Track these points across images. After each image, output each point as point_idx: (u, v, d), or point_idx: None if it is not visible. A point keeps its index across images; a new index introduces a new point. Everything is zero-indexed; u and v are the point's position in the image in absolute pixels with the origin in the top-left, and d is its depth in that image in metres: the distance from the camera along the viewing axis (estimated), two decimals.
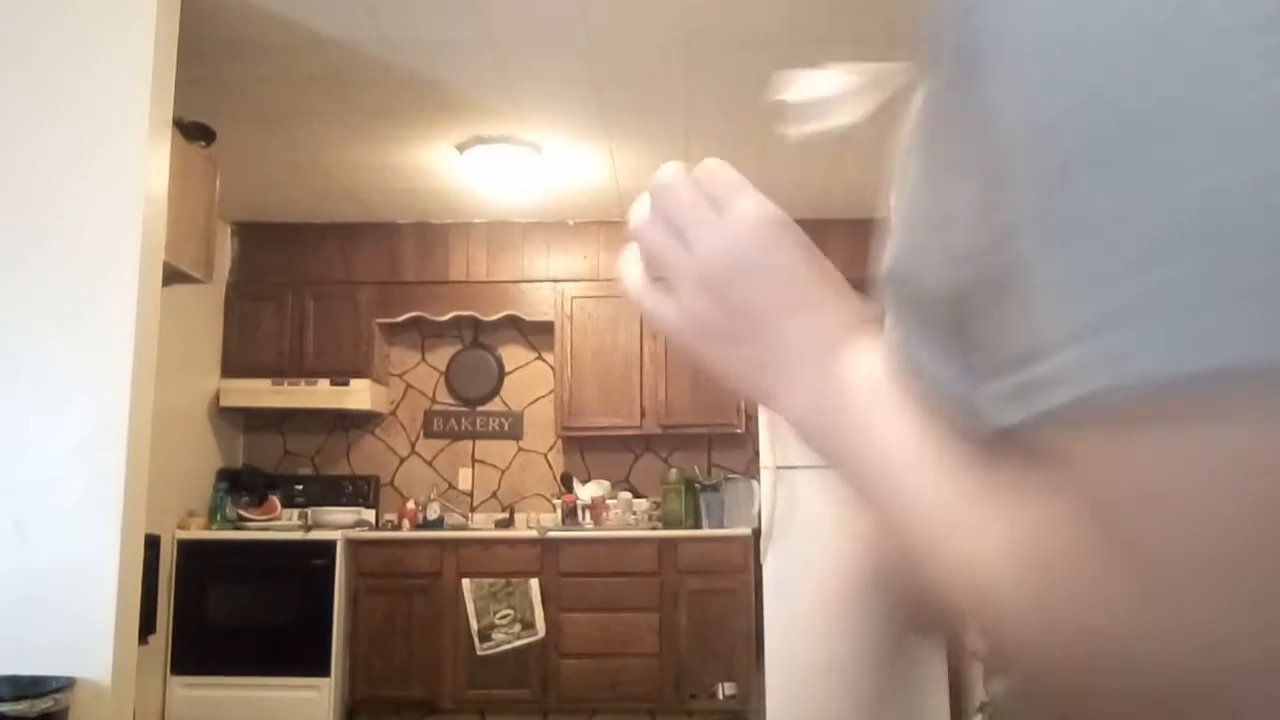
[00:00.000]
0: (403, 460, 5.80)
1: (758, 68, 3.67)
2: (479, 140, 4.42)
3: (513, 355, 5.89)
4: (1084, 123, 0.34)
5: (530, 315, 5.59)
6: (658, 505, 5.36)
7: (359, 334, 5.52)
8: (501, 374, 5.87)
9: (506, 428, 5.82)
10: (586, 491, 5.43)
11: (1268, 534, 0.32)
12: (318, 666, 4.84)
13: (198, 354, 5.27)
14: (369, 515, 5.46)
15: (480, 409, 5.84)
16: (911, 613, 0.63)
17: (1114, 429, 0.33)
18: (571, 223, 5.62)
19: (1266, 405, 0.31)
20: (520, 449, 5.80)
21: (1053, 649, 0.37)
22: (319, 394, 5.38)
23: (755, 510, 5.04)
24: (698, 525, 5.19)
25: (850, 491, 0.48)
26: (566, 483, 5.53)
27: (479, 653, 4.95)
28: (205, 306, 5.30)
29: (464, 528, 5.43)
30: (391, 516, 5.52)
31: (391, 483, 5.76)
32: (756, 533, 4.90)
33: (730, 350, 0.50)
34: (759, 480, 4.87)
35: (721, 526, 5.16)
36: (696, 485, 5.30)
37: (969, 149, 0.42)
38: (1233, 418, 0.31)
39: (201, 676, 4.85)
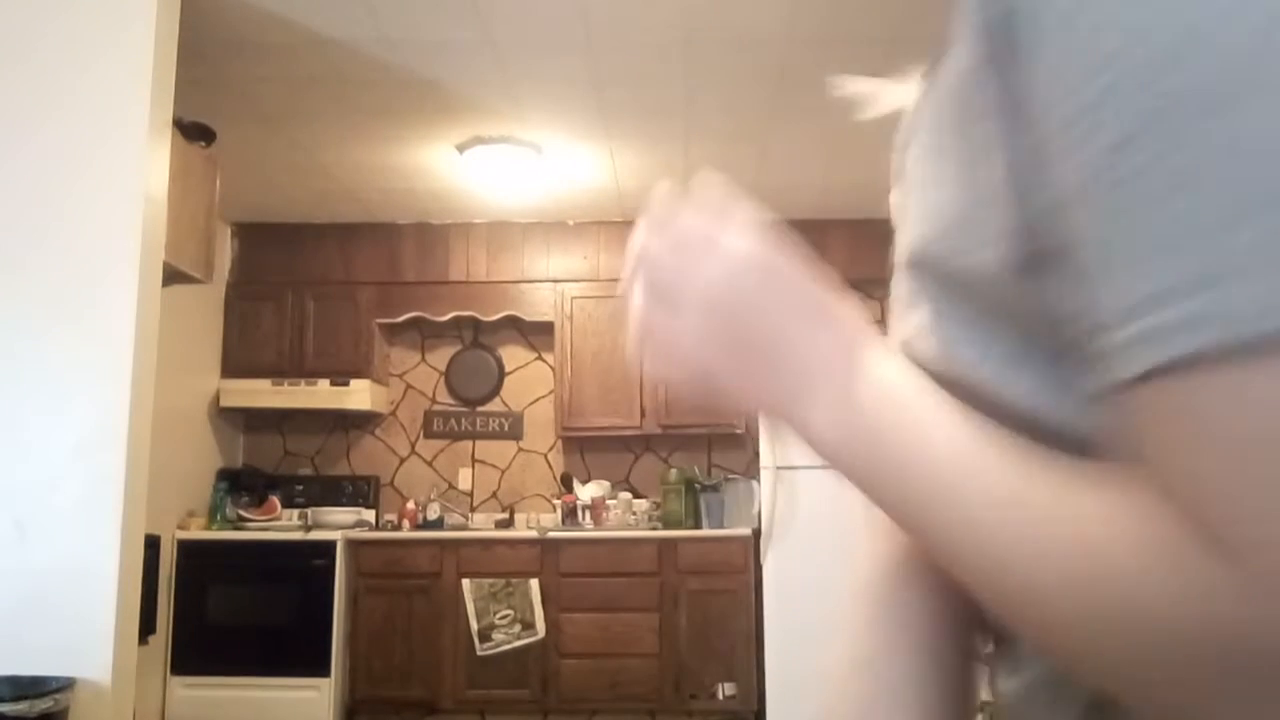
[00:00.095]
0: (403, 460, 5.80)
1: (758, 68, 3.67)
2: (479, 140, 4.41)
3: (513, 355, 5.89)
4: (1154, 85, 0.34)
5: (530, 315, 5.59)
6: (658, 505, 5.36)
7: (359, 334, 5.52)
8: (501, 374, 5.87)
9: (506, 428, 5.82)
10: (586, 492, 5.43)
11: None
12: (318, 667, 4.84)
13: (198, 354, 5.27)
14: (369, 515, 5.45)
15: (480, 409, 5.84)
16: (945, 608, 0.63)
17: (1221, 381, 0.33)
18: (571, 223, 5.62)
19: None
20: (520, 449, 5.80)
21: (1141, 646, 0.36)
22: (319, 394, 5.38)
23: (755, 510, 5.04)
24: (698, 525, 5.19)
25: (886, 504, 0.46)
26: (566, 483, 5.53)
27: (479, 653, 4.95)
28: (205, 306, 5.30)
29: (464, 528, 5.43)
30: (391, 517, 5.52)
31: (391, 483, 5.76)
32: (756, 533, 4.90)
33: (750, 382, 0.49)
34: (759, 480, 4.87)
35: (721, 527, 5.16)
36: (696, 485, 5.30)
37: (1005, 128, 0.42)
38: None
39: (201, 677, 4.84)
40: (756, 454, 4.92)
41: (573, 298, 5.54)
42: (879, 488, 0.45)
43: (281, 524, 5.26)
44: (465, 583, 5.02)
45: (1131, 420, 0.37)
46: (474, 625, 4.97)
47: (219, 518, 5.21)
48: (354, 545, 5.10)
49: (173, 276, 3.35)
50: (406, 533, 5.28)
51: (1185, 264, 0.33)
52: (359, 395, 5.38)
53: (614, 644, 4.95)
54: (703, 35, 3.43)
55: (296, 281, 5.56)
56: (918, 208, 0.51)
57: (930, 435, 0.44)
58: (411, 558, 5.09)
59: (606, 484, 5.51)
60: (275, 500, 5.38)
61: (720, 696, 4.90)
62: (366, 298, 5.56)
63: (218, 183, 3.86)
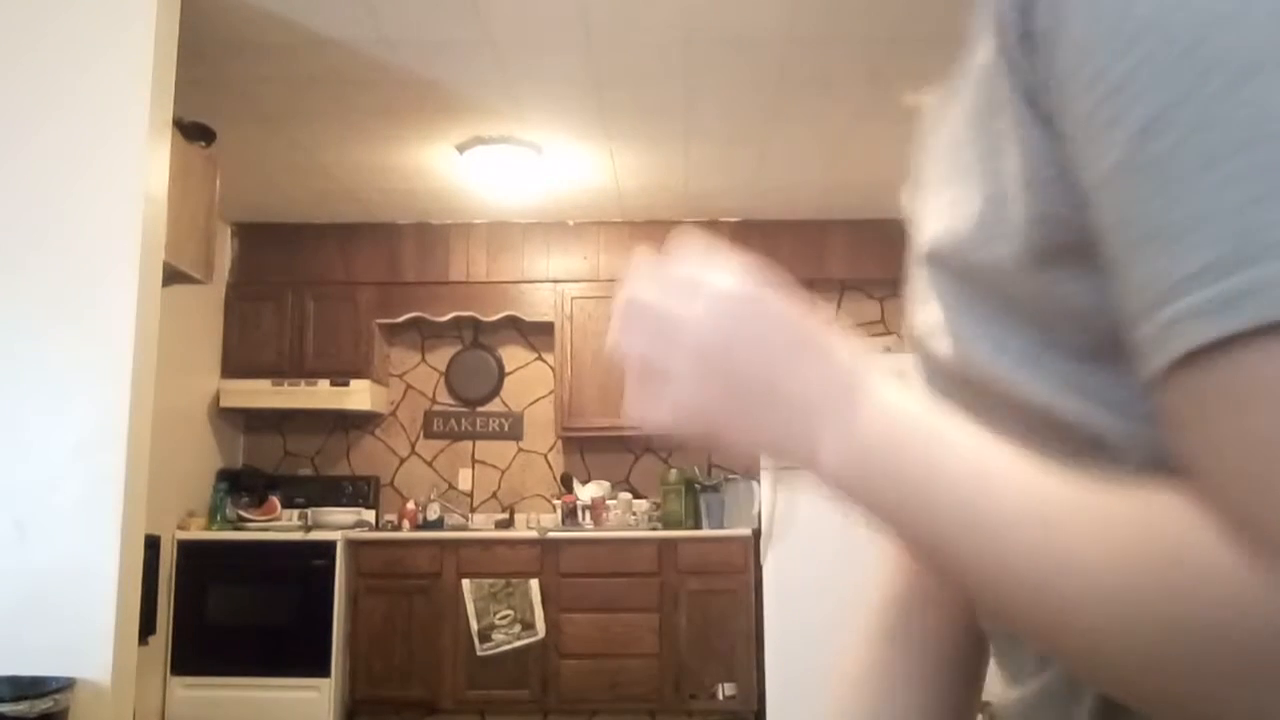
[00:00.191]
0: (403, 461, 5.80)
1: (757, 68, 3.67)
2: (479, 140, 4.41)
3: (513, 356, 5.89)
4: (1184, 61, 0.34)
5: (530, 316, 5.59)
6: (658, 506, 5.36)
7: (359, 334, 5.52)
8: (501, 374, 5.87)
9: (506, 428, 5.82)
10: (586, 492, 5.43)
11: None
12: (318, 667, 4.84)
13: (198, 354, 5.27)
14: (369, 516, 5.45)
15: (480, 409, 5.84)
16: (952, 635, 0.62)
17: (1263, 360, 0.32)
18: (571, 223, 5.62)
19: None
20: (520, 449, 5.80)
21: (1180, 656, 0.34)
22: (319, 394, 5.38)
23: (755, 511, 5.03)
24: (698, 526, 5.19)
25: (906, 533, 0.44)
26: (566, 483, 5.53)
27: (479, 653, 4.95)
28: (205, 307, 5.30)
29: (464, 528, 5.42)
30: (391, 517, 5.52)
31: (391, 483, 5.76)
32: (756, 533, 4.90)
33: (753, 425, 0.47)
34: (759, 481, 4.87)
35: (721, 527, 5.16)
36: (696, 486, 5.30)
37: (1019, 121, 0.42)
38: None
39: (201, 677, 4.84)
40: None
41: (573, 298, 5.54)
42: (898, 517, 0.44)
43: (281, 524, 5.26)
44: (465, 583, 5.01)
45: (1170, 413, 0.36)
46: (474, 625, 4.97)
47: (219, 518, 5.21)
48: (354, 545, 5.10)
49: (173, 276, 3.35)
50: (406, 533, 5.28)
51: (1222, 241, 0.32)
52: (359, 395, 5.38)
53: (614, 644, 4.95)
54: (703, 35, 3.43)
55: (296, 281, 5.56)
56: (935, 202, 0.51)
57: (946, 457, 0.43)
58: (411, 558, 5.08)
59: (606, 484, 5.51)
60: (275, 500, 5.38)
61: (720, 696, 4.90)
62: (366, 298, 5.56)
63: (218, 183, 3.86)
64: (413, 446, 5.81)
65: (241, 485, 5.45)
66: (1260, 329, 0.32)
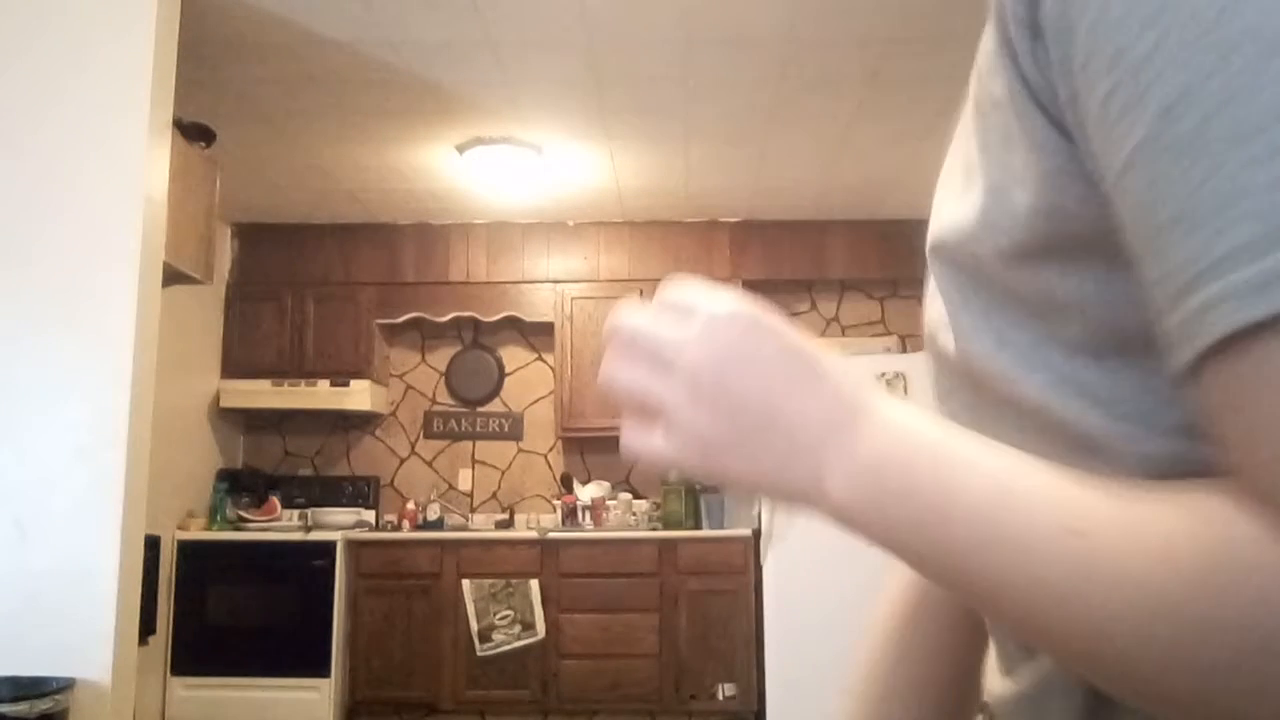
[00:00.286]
0: (403, 461, 5.80)
1: (758, 68, 3.67)
2: (479, 141, 4.41)
3: (513, 356, 5.89)
4: (1204, 38, 0.33)
5: (530, 316, 5.59)
6: (658, 506, 5.36)
7: (359, 335, 5.52)
8: (501, 375, 5.87)
9: (506, 428, 5.82)
10: (586, 492, 5.43)
11: None
12: (318, 667, 4.84)
13: (198, 355, 5.27)
14: (369, 516, 5.45)
15: (480, 410, 5.84)
16: (959, 647, 0.62)
17: None
18: (571, 223, 5.62)
19: None
20: (520, 450, 5.80)
21: (1225, 666, 0.33)
22: (319, 395, 5.38)
23: (755, 511, 5.03)
24: (698, 526, 5.19)
25: (924, 559, 0.42)
26: (566, 483, 5.53)
27: (479, 653, 4.95)
28: (205, 307, 5.30)
29: (464, 528, 5.42)
30: (391, 517, 5.52)
31: (391, 483, 5.76)
32: (756, 533, 4.90)
33: (753, 453, 0.45)
34: None
35: (721, 527, 5.16)
36: (696, 486, 5.30)
37: (1018, 113, 0.41)
38: None
39: (201, 677, 4.84)
40: None
41: (573, 298, 5.54)
42: (915, 543, 0.42)
43: (281, 524, 5.25)
44: (465, 583, 5.01)
45: (1206, 405, 0.35)
46: (474, 626, 4.97)
47: (219, 518, 5.21)
48: (354, 546, 5.10)
49: (173, 277, 3.35)
50: (406, 533, 5.28)
51: (1256, 220, 0.31)
52: (359, 396, 5.38)
53: (614, 644, 4.95)
54: (703, 35, 3.43)
55: (296, 282, 5.56)
56: (942, 193, 0.51)
57: (961, 472, 0.41)
58: (411, 558, 5.08)
59: (607, 484, 5.50)
60: (275, 501, 5.38)
61: (720, 697, 4.90)
62: (366, 298, 5.56)
63: (218, 183, 3.86)
64: (413, 447, 5.81)
65: (241, 485, 5.45)
66: None
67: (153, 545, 4.02)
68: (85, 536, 2.64)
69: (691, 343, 0.46)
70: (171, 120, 3.01)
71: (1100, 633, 0.36)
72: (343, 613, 4.95)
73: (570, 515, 5.36)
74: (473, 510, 5.71)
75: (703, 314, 0.46)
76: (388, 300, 5.59)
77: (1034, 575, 0.37)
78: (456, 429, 5.81)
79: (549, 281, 5.60)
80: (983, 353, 0.46)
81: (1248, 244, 0.31)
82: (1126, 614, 0.35)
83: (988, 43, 0.44)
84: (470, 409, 5.84)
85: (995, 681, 0.52)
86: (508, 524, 5.52)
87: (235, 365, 5.48)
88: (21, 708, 2.39)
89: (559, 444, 5.76)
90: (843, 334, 5.71)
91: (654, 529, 5.20)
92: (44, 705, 2.42)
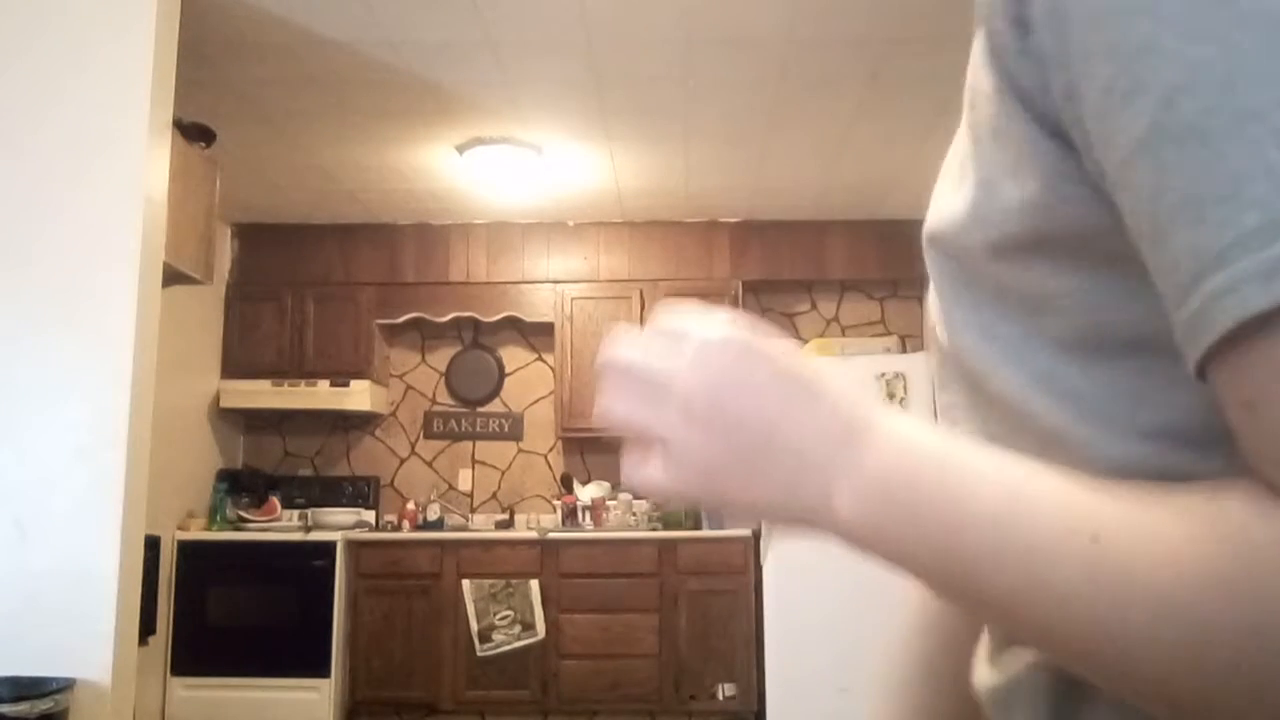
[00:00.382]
0: (403, 461, 5.80)
1: (757, 68, 3.67)
2: (479, 141, 4.42)
3: (513, 356, 5.89)
4: (1203, 21, 0.32)
5: (530, 316, 5.59)
6: (658, 506, 5.36)
7: (359, 335, 5.52)
8: (501, 375, 5.87)
9: (506, 429, 5.82)
10: (586, 492, 5.43)
11: None
12: (318, 667, 4.83)
13: (198, 355, 5.27)
14: (369, 516, 5.45)
15: (480, 410, 5.84)
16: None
17: None
18: (571, 224, 5.62)
19: None
20: (520, 450, 5.80)
21: (1258, 665, 0.32)
22: (319, 395, 5.38)
23: None
24: (698, 526, 5.19)
25: (937, 575, 0.41)
26: (566, 484, 5.53)
27: (479, 654, 4.95)
28: (205, 307, 5.30)
29: (464, 529, 5.42)
30: (391, 517, 5.52)
31: (391, 484, 5.76)
32: (756, 534, 4.90)
33: (756, 478, 0.44)
34: None
35: (721, 528, 5.16)
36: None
37: (1001, 111, 0.41)
38: None
39: (201, 677, 4.84)
40: None
41: (573, 298, 5.54)
42: (925, 555, 0.41)
43: (281, 525, 5.25)
44: (465, 583, 5.01)
45: (1222, 399, 0.34)
46: (474, 626, 4.97)
47: (219, 518, 5.21)
48: (354, 546, 5.10)
49: (173, 277, 3.35)
50: (406, 533, 5.28)
51: (1268, 202, 0.30)
52: (359, 396, 5.38)
53: (614, 645, 4.95)
54: (703, 35, 3.43)
55: (296, 282, 5.56)
56: (941, 184, 0.51)
57: (970, 485, 0.40)
58: (411, 558, 5.08)
59: (607, 485, 5.50)
60: (275, 501, 5.38)
61: (720, 697, 4.90)
62: (366, 298, 5.57)
63: (218, 183, 3.86)
64: (413, 447, 5.81)
65: (241, 486, 5.45)
66: None
67: (153, 545, 4.02)
68: (85, 536, 2.64)
69: (684, 370, 0.45)
70: (171, 120, 3.01)
71: (1109, 636, 0.35)
72: (343, 613, 4.95)
73: (570, 515, 5.36)
74: (473, 510, 5.71)
75: (694, 340, 0.46)
76: (388, 300, 5.59)
77: (1045, 581, 0.37)
78: (456, 429, 5.81)
79: (549, 282, 5.60)
80: (969, 345, 0.46)
81: (1254, 231, 0.31)
82: (1135, 617, 0.34)
83: (978, 40, 0.45)
84: (470, 409, 5.84)
85: (982, 670, 0.53)
86: (508, 524, 5.52)
87: (235, 365, 5.48)
88: (21, 708, 2.39)
89: (559, 444, 5.76)
90: (843, 334, 5.71)
91: (654, 529, 5.20)
92: (44, 705, 2.42)
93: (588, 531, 5.21)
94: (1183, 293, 0.33)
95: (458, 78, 3.77)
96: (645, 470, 0.46)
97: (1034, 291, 0.43)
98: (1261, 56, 0.31)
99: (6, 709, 2.37)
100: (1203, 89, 0.32)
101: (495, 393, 5.85)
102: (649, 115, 4.14)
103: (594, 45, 3.50)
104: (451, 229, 5.64)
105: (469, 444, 5.81)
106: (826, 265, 5.58)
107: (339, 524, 5.21)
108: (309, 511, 5.35)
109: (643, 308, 5.46)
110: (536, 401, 5.81)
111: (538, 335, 5.78)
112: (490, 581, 5.01)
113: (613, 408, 0.47)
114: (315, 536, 5.04)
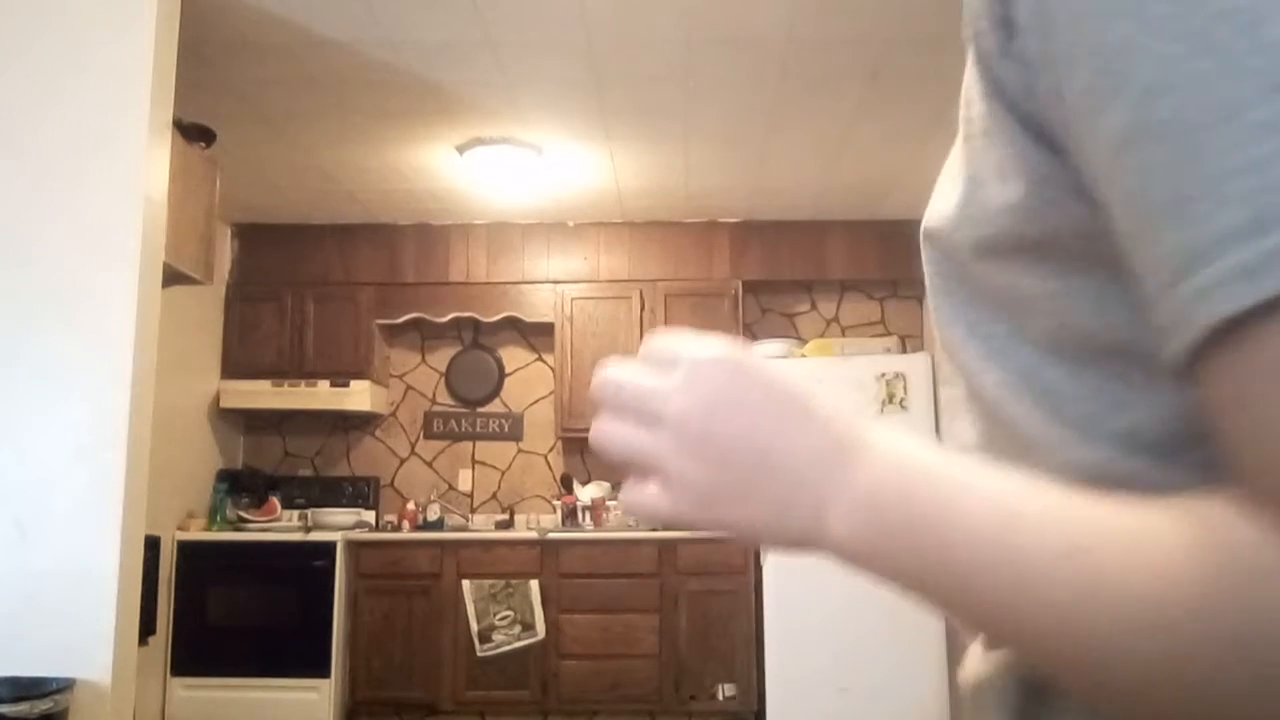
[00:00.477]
0: (403, 461, 5.80)
1: (757, 68, 3.67)
2: (479, 141, 4.42)
3: (513, 356, 5.89)
4: (1182, 21, 0.32)
5: (530, 316, 5.59)
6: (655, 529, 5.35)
7: (359, 335, 5.52)
8: (501, 375, 5.87)
9: (506, 429, 5.82)
10: (586, 493, 5.43)
11: None
12: (318, 668, 4.83)
13: (198, 355, 5.27)
14: (369, 516, 5.45)
15: (480, 410, 5.84)
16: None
17: None
18: (571, 224, 5.62)
19: None
20: (520, 450, 5.80)
21: (1242, 678, 0.32)
22: (319, 395, 5.38)
23: None
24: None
25: (931, 590, 0.41)
26: (566, 484, 5.53)
27: (479, 654, 4.95)
28: (205, 307, 5.30)
29: (464, 529, 5.42)
30: (391, 518, 5.52)
31: (391, 484, 5.76)
32: None
33: (751, 499, 0.44)
34: None
35: None
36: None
37: (993, 110, 0.42)
38: None
39: (201, 678, 4.84)
40: None
41: (573, 299, 5.54)
42: (919, 571, 0.41)
43: (281, 525, 5.25)
44: (465, 584, 5.01)
45: (1204, 401, 0.33)
46: (474, 626, 4.97)
47: (219, 518, 5.21)
48: (354, 546, 5.10)
49: (173, 277, 3.35)
50: (406, 534, 5.28)
51: (1249, 199, 0.30)
52: (359, 396, 5.38)
53: (614, 645, 4.95)
54: (703, 35, 3.43)
55: (296, 282, 5.57)
56: (940, 181, 0.52)
57: (962, 499, 0.40)
58: (411, 559, 5.08)
59: (606, 485, 5.50)
60: (275, 501, 5.38)
61: (720, 697, 4.90)
62: (366, 298, 5.57)
63: (218, 183, 3.86)
64: (413, 447, 5.81)
65: (241, 486, 5.45)
66: None
67: (153, 545, 4.02)
68: (85, 536, 2.64)
69: (676, 392, 0.45)
70: (171, 120, 3.01)
71: (1100, 647, 0.35)
72: (343, 613, 4.95)
73: (570, 516, 5.36)
74: (473, 510, 5.71)
75: (685, 362, 0.46)
76: (388, 300, 5.59)
77: (1037, 594, 0.37)
78: (456, 429, 5.81)
79: (549, 282, 5.60)
80: (959, 340, 0.47)
81: (1237, 228, 0.30)
82: (1125, 629, 0.34)
83: (967, 43, 0.45)
84: (470, 409, 5.84)
85: (969, 664, 0.53)
86: (508, 524, 5.52)
87: (235, 365, 5.48)
88: (21, 708, 2.39)
89: (559, 444, 5.76)
90: (843, 334, 5.71)
91: (654, 529, 5.20)
92: (44, 705, 2.42)
93: (588, 532, 5.21)
94: (1167, 290, 0.33)
95: (458, 78, 3.77)
96: (643, 497, 0.47)
97: (1015, 292, 0.43)
98: (1239, 54, 0.31)
99: (6, 709, 2.37)
100: (1178, 88, 0.32)
101: (495, 393, 5.85)
102: (649, 115, 4.14)
103: (594, 45, 3.50)
104: (451, 229, 5.64)
105: (469, 444, 5.81)
106: (826, 265, 5.58)
107: (339, 524, 5.21)
108: (309, 512, 5.35)
109: (643, 308, 5.46)
110: (536, 402, 5.81)
111: (538, 335, 5.78)
112: (490, 582, 5.01)
113: (608, 434, 0.47)
114: (315, 537, 5.04)
